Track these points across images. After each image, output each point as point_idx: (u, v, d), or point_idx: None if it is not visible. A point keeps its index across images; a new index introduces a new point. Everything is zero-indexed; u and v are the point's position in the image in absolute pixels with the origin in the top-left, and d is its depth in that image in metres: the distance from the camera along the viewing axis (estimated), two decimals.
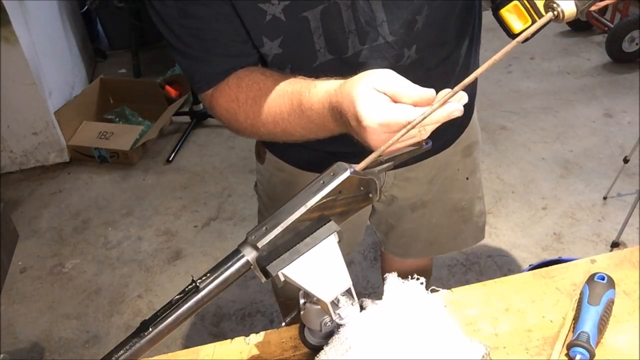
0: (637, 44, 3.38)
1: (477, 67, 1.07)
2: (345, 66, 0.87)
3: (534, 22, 0.81)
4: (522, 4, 0.79)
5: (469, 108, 1.15)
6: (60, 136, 3.04)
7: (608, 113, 3.06)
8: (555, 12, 0.66)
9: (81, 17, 3.99)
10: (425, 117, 0.62)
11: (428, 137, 0.72)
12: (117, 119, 3.30)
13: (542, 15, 0.79)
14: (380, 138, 0.65)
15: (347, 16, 0.81)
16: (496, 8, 0.82)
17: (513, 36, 0.84)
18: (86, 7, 4.02)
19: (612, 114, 3.05)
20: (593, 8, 0.75)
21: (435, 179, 1.16)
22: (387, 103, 0.64)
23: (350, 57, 0.86)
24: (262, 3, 0.77)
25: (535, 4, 0.79)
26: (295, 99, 0.75)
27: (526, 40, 0.80)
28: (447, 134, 1.12)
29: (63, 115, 3.03)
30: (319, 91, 0.73)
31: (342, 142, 1.02)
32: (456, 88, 0.64)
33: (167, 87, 3.46)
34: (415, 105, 0.64)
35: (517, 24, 0.82)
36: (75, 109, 3.17)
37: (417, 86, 0.65)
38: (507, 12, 0.81)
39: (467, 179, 1.21)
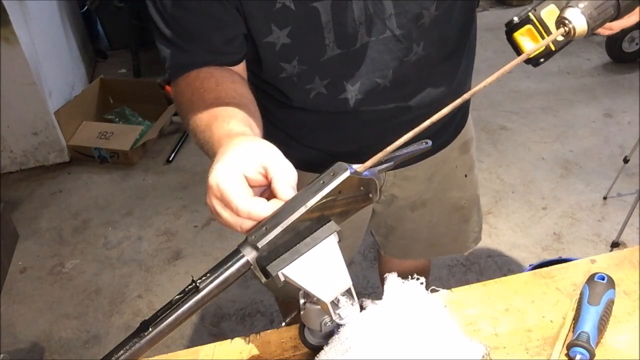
0: (637, 44, 3.38)
1: (470, 69, 1.08)
2: (353, 60, 0.88)
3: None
4: (535, 28, 0.78)
5: (465, 104, 1.16)
6: (60, 136, 3.04)
7: (608, 113, 3.06)
8: (567, 28, 0.64)
9: (81, 17, 4.00)
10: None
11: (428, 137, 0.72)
12: (117, 119, 3.30)
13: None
14: (210, 200, 0.62)
15: (358, 8, 0.82)
16: (510, 31, 0.80)
17: (527, 59, 0.81)
18: (86, 7, 4.03)
19: (612, 114, 3.05)
20: (606, 32, 0.74)
21: (434, 177, 1.17)
22: (238, 177, 0.61)
23: (358, 49, 0.86)
24: None
25: (546, 25, 0.77)
26: (211, 121, 0.75)
27: (537, 62, 0.78)
28: (446, 133, 1.13)
29: (63, 115, 3.03)
30: (229, 127, 0.72)
31: (346, 142, 1.03)
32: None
33: (167, 87, 3.41)
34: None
35: (530, 47, 0.80)
36: (75, 109, 3.17)
37: (286, 187, 0.61)
38: (520, 36, 0.80)
39: (466, 176, 1.22)
